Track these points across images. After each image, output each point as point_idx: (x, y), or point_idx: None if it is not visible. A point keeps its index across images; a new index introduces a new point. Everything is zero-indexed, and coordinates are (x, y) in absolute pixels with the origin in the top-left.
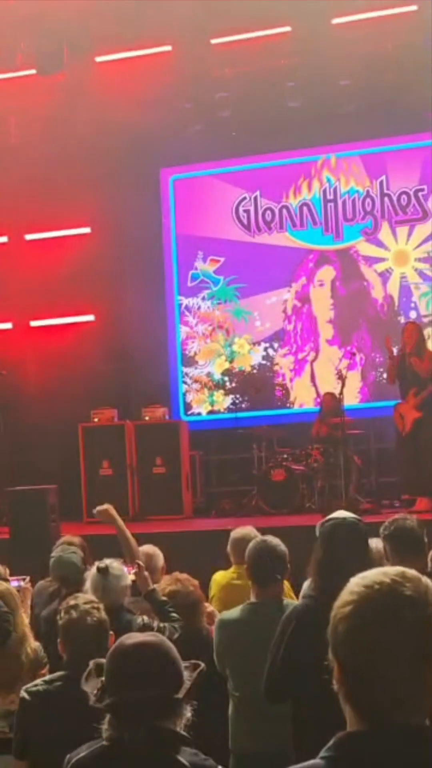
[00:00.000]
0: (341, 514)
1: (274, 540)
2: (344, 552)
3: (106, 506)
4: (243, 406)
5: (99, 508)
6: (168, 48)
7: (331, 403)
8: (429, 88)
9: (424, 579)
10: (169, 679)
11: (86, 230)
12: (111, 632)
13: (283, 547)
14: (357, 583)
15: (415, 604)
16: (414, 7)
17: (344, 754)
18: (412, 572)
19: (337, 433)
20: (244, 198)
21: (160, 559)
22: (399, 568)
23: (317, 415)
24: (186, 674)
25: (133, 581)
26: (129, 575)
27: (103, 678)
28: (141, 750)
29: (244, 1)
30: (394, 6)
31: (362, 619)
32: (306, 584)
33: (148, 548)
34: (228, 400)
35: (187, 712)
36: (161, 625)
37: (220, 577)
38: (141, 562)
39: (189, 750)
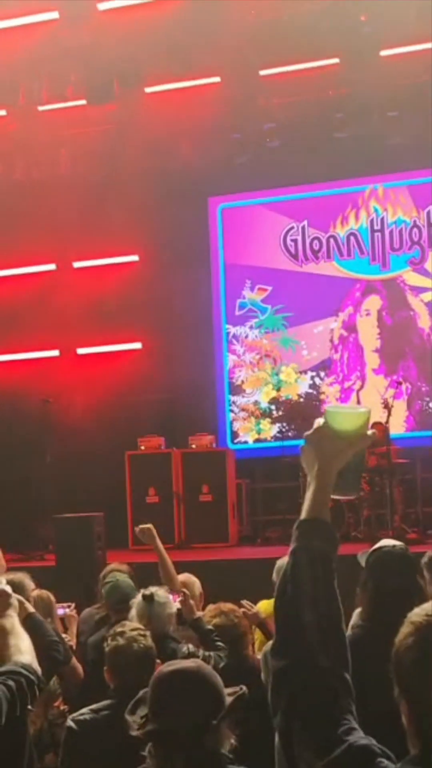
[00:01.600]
0: (389, 542)
1: None
2: (395, 580)
3: (149, 525)
4: (290, 434)
5: (142, 526)
6: (217, 79)
7: (379, 433)
8: None
9: None
10: (207, 705)
11: (134, 258)
12: (158, 660)
13: None
14: (417, 613)
15: None
16: None
17: None
18: None
19: (383, 463)
20: (292, 227)
21: (197, 586)
22: None
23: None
24: (229, 700)
25: (179, 609)
26: (174, 603)
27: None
28: None
29: (293, 32)
30: None
31: (429, 647)
32: (356, 614)
33: (184, 577)
34: (275, 429)
35: (231, 737)
36: (207, 653)
37: (264, 606)
38: (186, 591)
39: None
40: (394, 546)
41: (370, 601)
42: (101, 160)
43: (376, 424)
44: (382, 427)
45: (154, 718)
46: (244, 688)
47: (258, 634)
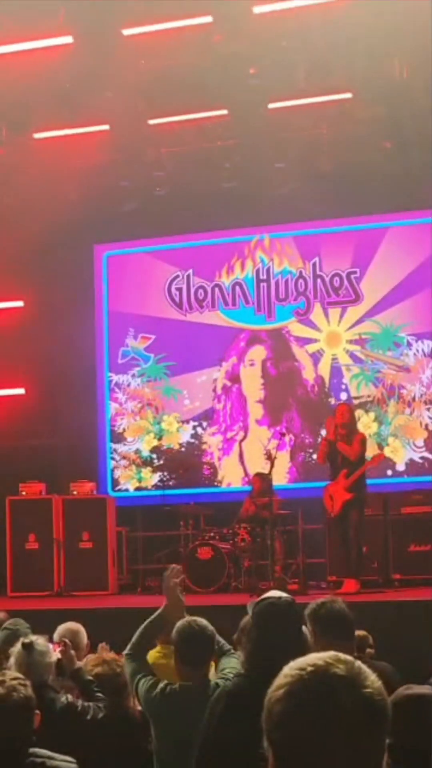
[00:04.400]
0: (275, 593)
1: (202, 621)
2: (279, 631)
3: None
4: (170, 483)
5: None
6: (106, 127)
7: (260, 484)
8: (364, 172)
9: (357, 662)
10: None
11: (19, 304)
12: (36, 711)
13: (211, 628)
14: (291, 666)
15: (350, 685)
16: (348, 95)
17: None
18: (344, 655)
19: (264, 513)
20: (177, 276)
21: (83, 636)
22: (332, 652)
23: (247, 495)
24: None
25: (59, 659)
26: (54, 653)
27: None
28: None
29: (182, 82)
30: (328, 93)
31: (297, 701)
32: (227, 662)
33: (71, 625)
34: (156, 477)
35: None
36: (86, 704)
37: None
38: (67, 640)
39: None
40: (280, 597)
41: (252, 651)
42: None
43: (256, 476)
44: (260, 479)
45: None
46: None
47: None
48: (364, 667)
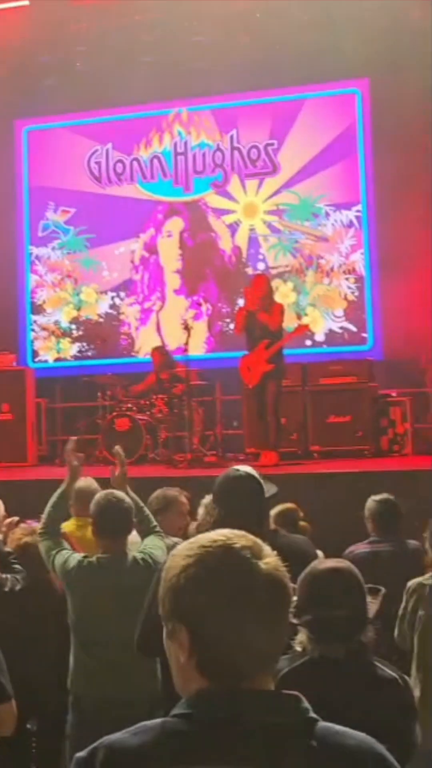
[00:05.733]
0: (243, 468)
1: (119, 494)
2: (241, 504)
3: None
4: (89, 354)
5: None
6: (26, 2)
7: (159, 357)
8: (281, 45)
9: (257, 539)
10: (357, 601)
11: None
12: None
13: (128, 501)
14: (192, 542)
15: (251, 559)
16: None
17: (199, 713)
18: (243, 532)
19: (174, 386)
20: (96, 150)
21: (0, 509)
22: (234, 530)
23: (151, 370)
24: (369, 598)
25: None
26: None
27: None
28: (343, 662)
29: None
30: None
31: (204, 575)
32: (151, 540)
33: None
34: (75, 348)
35: (370, 632)
36: (3, 576)
37: (66, 526)
38: None
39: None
40: (239, 470)
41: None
42: None
43: (154, 350)
44: (158, 352)
45: (310, 610)
46: (383, 589)
47: None
48: (262, 543)
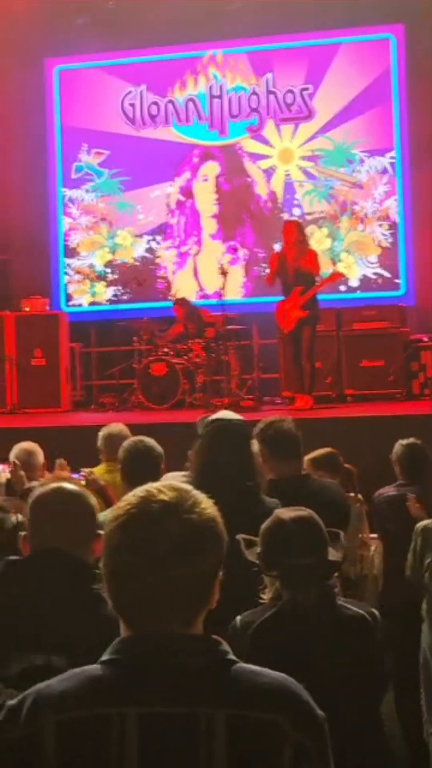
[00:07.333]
0: (227, 415)
1: (149, 441)
2: (227, 455)
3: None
4: (125, 298)
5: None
6: None
7: (181, 311)
8: None
9: (197, 492)
10: (323, 546)
11: None
12: None
13: (159, 450)
14: (130, 494)
15: (173, 511)
16: None
17: (119, 658)
18: (180, 484)
19: (205, 332)
20: (130, 91)
21: (39, 456)
22: (170, 481)
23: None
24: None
25: (9, 480)
26: (3, 473)
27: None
28: (314, 607)
29: None
30: None
31: (125, 529)
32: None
33: (27, 445)
34: (110, 292)
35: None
36: None
37: (101, 471)
38: (17, 461)
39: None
40: (230, 420)
41: (199, 472)
42: None
43: (176, 303)
44: (180, 305)
45: (280, 559)
46: (341, 532)
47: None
48: (197, 494)
